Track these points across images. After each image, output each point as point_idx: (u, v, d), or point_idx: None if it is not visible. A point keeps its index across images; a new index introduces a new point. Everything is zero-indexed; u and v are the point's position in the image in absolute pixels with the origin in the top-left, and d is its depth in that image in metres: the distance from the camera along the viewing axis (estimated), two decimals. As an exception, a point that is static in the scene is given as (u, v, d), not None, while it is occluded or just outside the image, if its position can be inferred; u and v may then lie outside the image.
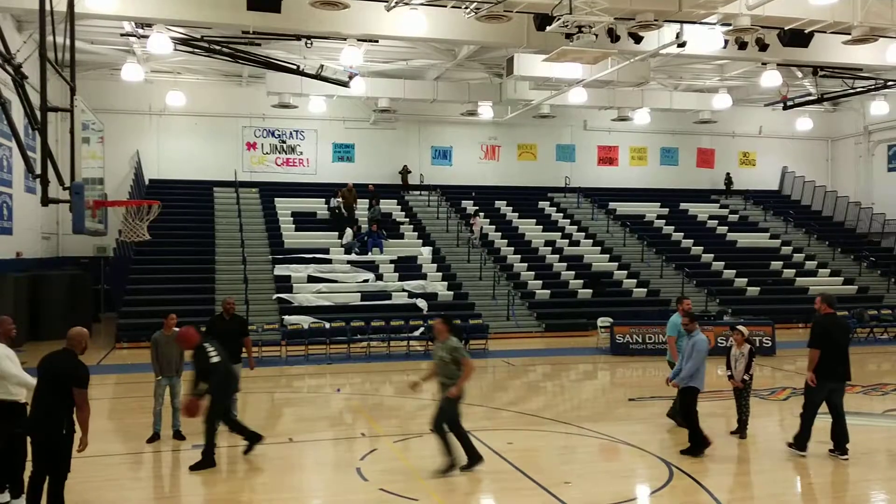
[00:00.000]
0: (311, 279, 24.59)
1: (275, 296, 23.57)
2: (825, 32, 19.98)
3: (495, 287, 25.45)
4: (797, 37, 20.30)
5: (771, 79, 24.64)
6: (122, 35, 22.49)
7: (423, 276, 25.48)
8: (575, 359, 19.83)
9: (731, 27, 18.81)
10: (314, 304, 23.14)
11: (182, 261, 25.02)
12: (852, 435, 10.00)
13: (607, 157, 35.25)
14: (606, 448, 10.75)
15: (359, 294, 24.10)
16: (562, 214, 32.14)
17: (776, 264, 29.61)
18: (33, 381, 7.58)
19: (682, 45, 19.65)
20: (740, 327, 11.24)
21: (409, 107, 30.92)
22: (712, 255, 29.80)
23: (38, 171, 9.90)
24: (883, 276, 29.60)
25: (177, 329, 11.11)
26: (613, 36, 18.23)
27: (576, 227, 31.14)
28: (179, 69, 28.57)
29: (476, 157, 33.79)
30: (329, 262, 25.67)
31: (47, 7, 9.84)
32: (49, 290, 22.71)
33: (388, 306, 23.26)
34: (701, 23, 19.28)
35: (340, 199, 28.70)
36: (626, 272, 27.77)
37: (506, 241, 29.21)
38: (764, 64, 24.17)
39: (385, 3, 17.80)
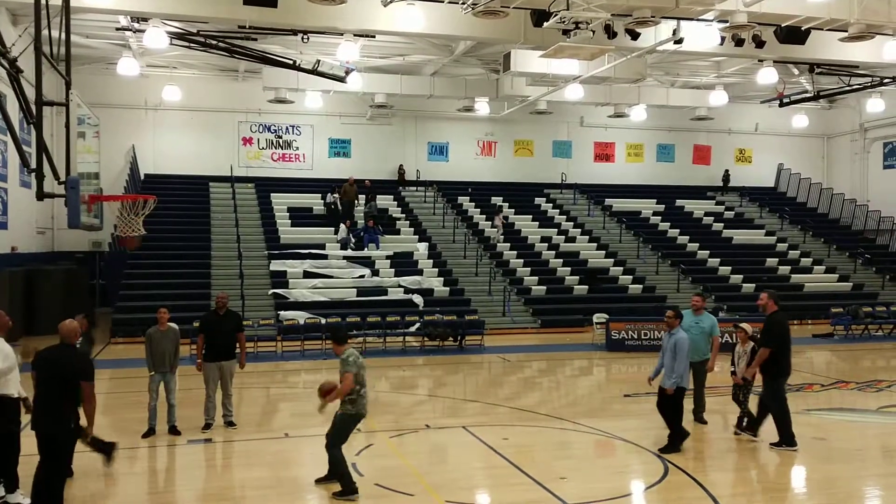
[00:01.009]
0: (307, 275, 24.57)
1: (271, 291, 23.55)
2: (822, 29, 19.98)
3: (491, 283, 25.47)
4: (794, 34, 20.31)
5: (767, 76, 24.67)
6: (117, 29, 22.43)
7: (420, 272, 25.49)
8: (570, 355, 19.85)
9: (727, 24, 18.78)
10: (310, 300, 23.14)
11: (178, 256, 24.97)
12: (847, 431, 10.05)
13: (604, 153, 35.27)
14: (602, 444, 10.77)
15: (355, 290, 24.10)
16: (558, 211, 32.15)
17: (772, 261, 29.68)
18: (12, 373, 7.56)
19: (678, 41, 19.63)
20: (743, 325, 11.30)
21: (405, 102, 30.89)
22: (708, 251, 29.85)
23: (34, 165, 9.87)
24: (878, 274, 29.67)
25: (173, 325, 11.10)
26: (610, 32, 18.18)
27: (572, 223, 31.16)
28: (175, 64, 28.49)
29: (472, 152, 33.78)
30: (325, 257, 25.66)
31: (43, 1, 9.81)
32: (44, 284, 22.66)
33: (383, 302, 23.26)
34: (698, 19, 19.28)
35: (337, 195, 28.66)
36: (621, 268, 27.80)
37: (502, 237, 29.20)
38: (760, 61, 24.21)
39: (382, -1, 17.77)
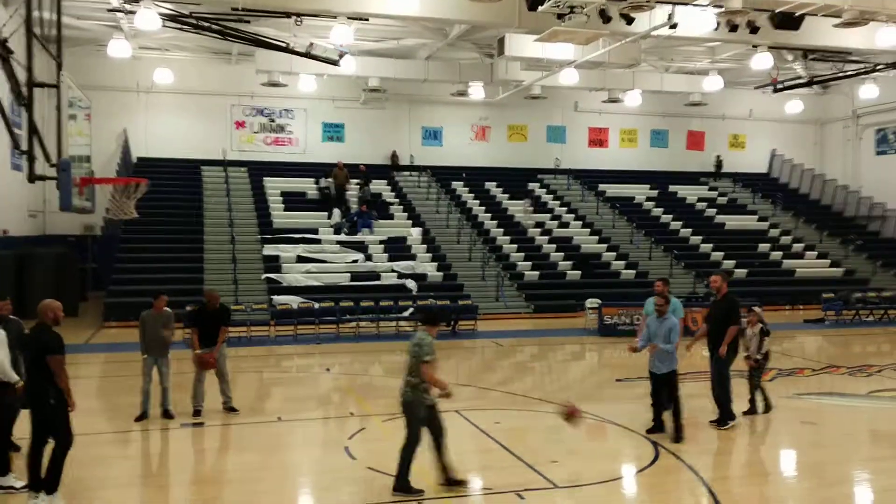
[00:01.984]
0: (301, 259, 24.53)
1: (264, 275, 23.51)
2: (816, 15, 19.99)
3: (484, 268, 25.48)
4: (788, 20, 20.30)
5: (761, 61, 24.64)
6: (109, 10, 22.20)
7: (413, 257, 25.47)
8: (563, 339, 19.91)
9: (722, 9, 18.77)
10: (303, 284, 23.12)
11: (170, 240, 24.89)
12: (837, 415, 10.13)
13: (598, 138, 35.24)
14: (593, 428, 10.82)
15: (348, 274, 24.08)
16: (552, 196, 32.14)
17: (764, 247, 29.77)
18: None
19: (673, 26, 19.59)
20: (755, 308, 11.41)
21: (399, 86, 30.77)
22: (701, 237, 29.91)
23: (25, 147, 9.81)
24: (869, 260, 29.80)
25: (167, 309, 11.06)
26: (605, 17, 18.19)
27: (565, 208, 31.15)
28: (168, 46, 28.28)
29: (466, 137, 33.70)
30: (318, 242, 25.62)
31: (33, -19, 9.72)
32: (36, 268, 22.52)
33: (377, 287, 23.25)
34: (692, 4, 19.21)
35: (331, 179, 28.58)
36: (614, 254, 27.85)
37: (495, 222, 29.20)
38: (755, 46, 24.16)
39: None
